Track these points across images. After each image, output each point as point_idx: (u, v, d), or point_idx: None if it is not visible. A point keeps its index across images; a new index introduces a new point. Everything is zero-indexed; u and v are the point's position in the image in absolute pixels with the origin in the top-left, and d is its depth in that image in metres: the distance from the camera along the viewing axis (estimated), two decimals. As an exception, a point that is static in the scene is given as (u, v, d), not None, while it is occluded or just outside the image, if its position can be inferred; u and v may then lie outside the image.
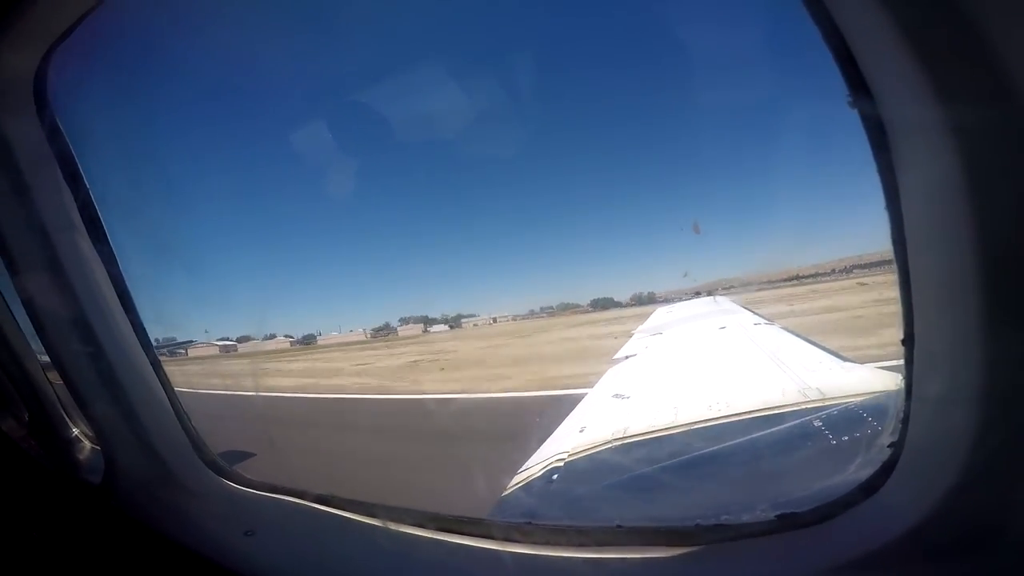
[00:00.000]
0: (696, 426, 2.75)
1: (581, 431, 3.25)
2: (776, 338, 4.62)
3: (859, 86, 0.74)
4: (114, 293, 1.72)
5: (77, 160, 1.65)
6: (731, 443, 2.37)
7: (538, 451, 3.04)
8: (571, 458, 2.74)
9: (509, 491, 2.50)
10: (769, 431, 2.37)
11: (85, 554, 1.98)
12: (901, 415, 0.89)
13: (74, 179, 1.64)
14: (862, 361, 3.49)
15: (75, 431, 2.46)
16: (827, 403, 2.52)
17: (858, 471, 1.07)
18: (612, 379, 4.68)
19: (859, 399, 2.34)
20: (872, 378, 2.78)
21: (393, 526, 1.44)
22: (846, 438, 1.85)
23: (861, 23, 0.69)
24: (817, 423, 2.19)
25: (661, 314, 8.90)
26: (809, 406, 2.58)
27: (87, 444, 2.42)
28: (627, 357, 5.51)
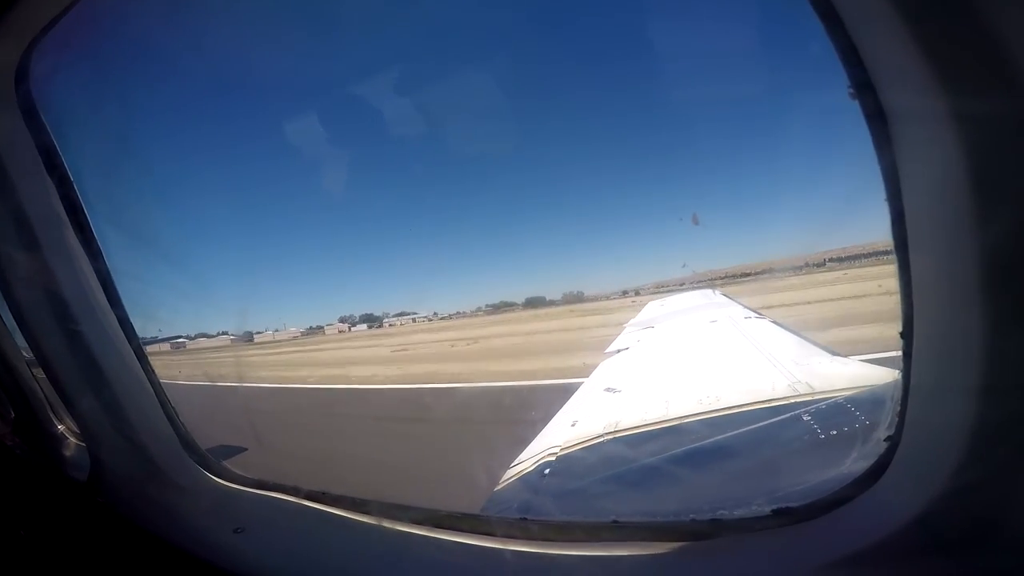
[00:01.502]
0: (687, 420, 2.77)
1: (573, 425, 3.26)
2: (766, 332, 4.65)
3: (860, 77, 0.73)
4: (99, 287, 1.69)
5: (60, 153, 1.62)
6: (722, 437, 2.39)
7: (530, 445, 3.05)
8: (563, 452, 2.75)
9: (502, 485, 2.51)
10: (759, 425, 2.39)
11: (72, 551, 1.95)
12: (898, 408, 0.88)
13: (57, 172, 1.61)
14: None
15: (60, 427, 2.42)
16: (816, 396, 2.54)
17: (853, 465, 1.07)
18: (604, 372, 4.70)
19: (848, 393, 2.37)
20: (861, 372, 2.82)
21: (385, 523, 1.43)
22: (835, 432, 1.87)
23: (863, 11, 0.68)
24: (807, 417, 2.21)
25: (653, 307, 8.94)
26: (799, 400, 2.60)
27: (72, 441, 2.38)
28: (619, 351, 5.54)
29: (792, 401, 2.62)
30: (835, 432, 1.86)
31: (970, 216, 0.65)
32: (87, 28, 1.57)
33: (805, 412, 2.29)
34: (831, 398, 2.39)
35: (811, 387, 2.74)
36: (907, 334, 0.82)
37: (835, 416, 2.05)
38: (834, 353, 3.51)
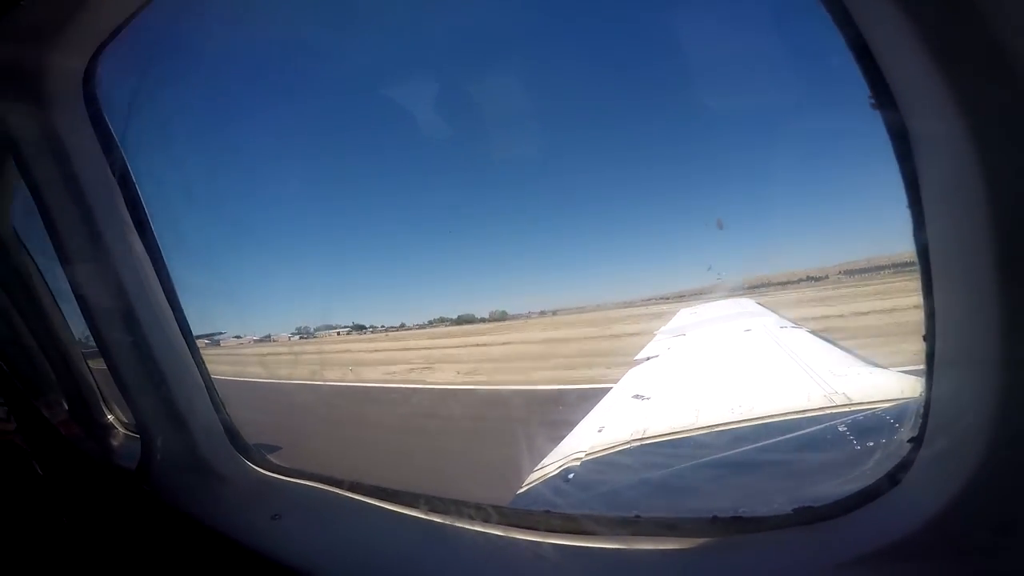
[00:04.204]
0: (718, 428, 2.71)
1: (600, 431, 3.24)
2: (803, 342, 4.50)
3: (883, 93, 0.75)
4: (159, 284, 1.80)
5: (125, 156, 1.73)
6: (754, 446, 2.33)
7: (555, 449, 3.05)
8: (588, 457, 2.73)
9: (524, 488, 2.52)
10: (793, 435, 2.33)
11: (121, 537, 2.07)
12: (921, 410, 0.89)
13: (122, 175, 1.72)
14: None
15: (110, 417, 2.57)
16: (854, 408, 2.45)
17: (878, 467, 1.05)
18: (632, 380, 4.64)
19: (887, 405, 2.28)
20: (901, 383, 2.70)
21: (415, 512, 1.48)
22: (871, 443, 1.80)
23: (884, 24, 0.70)
24: (842, 428, 2.14)
25: (684, 315, 8.76)
26: (835, 411, 2.52)
27: (122, 431, 2.53)
28: (648, 358, 5.46)
29: (828, 412, 2.54)
30: (870, 444, 1.80)
31: (989, 224, 0.66)
32: (152, 35, 1.66)
33: (841, 423, 2.22)
34: (870, 410, 2.31)
35: (848, 398, 2.65)
36: (930, 338, 0.83)
37: (873, 428, 1.98)
38: (874, 365, 3.36)
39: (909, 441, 0.92)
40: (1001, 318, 0.69)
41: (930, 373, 0.85)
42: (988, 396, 0.74)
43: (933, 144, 0.72)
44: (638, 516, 1.20)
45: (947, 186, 0.72)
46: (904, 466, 0.92)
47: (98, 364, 2.31)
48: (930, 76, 0.64)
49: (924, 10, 0.62)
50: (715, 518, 1.11)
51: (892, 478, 0.94)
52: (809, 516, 1.02)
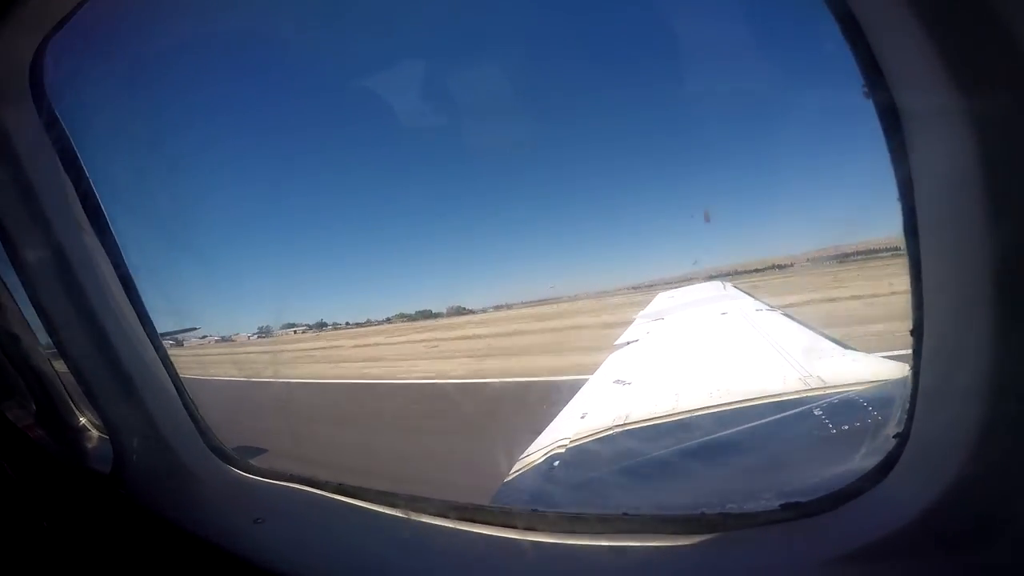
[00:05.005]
0: (697, 413, 2.77)
1: (582, 417, 3.28)
2: (778, 325, 4.62)
3: (874, 74, 0.73)
4: (118, 282, 1.72)
5: (77, 150, 1.64)
6: (732, 431, 2.39)
7: (539, 437, 3.07)
8: (572, 444, 2.76)
9: (511, 477, 2.54)
10: (770, 419, 2.39)
11: (95, 542, 2.01)
12: (907, 406, 0.89)
13: (74, 169, 1.63)
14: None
15: (82, 420, 2.48)
16: (828, 391, 2.53)
17: (862, 461, 1.08)
18: (613, 365, 4.70)
19: (861, 388, 2.35)
20: (875, 367, 2.79)
21: (399, 513, 1.47)
22: (847, 427, 1.87)
23: (878, 12, 0.68)
24: (818, 411, 2.20)
25: (663, 299, 8.90)
26: (810, 394, 2.59)
27: (94, 433, 2.44)
28: (628, 343, 5.54)
29: (803, 395, 2.61)
30: (846, 427, 1.86)
31: (981, 217, 0.65)
32: (101, 23, 1.58)
33: (816, 407, 2.28)
34: (843, 393, 2.38)
35: (823, 381, 2.73)
36: (917, 332, 0.83)
37: (846, 411, 2.05)
38: (846, 347, 3.48)
39: (894, 436, 0.93)
40: (990, 313, 0.69)
41: (916, 368, 0.85)
42: (974, 392, 0.74)
43: (926, 134, 0.71)
44: (625, 513, 1.20)
45: (940, 176, 0.71)
46: (890, 462, 0.93)
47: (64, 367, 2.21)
48: (925, 60, 0.63)
49: None
50: (703, 514, 1.12)
51: (878, 474, 0.95)
52: (796, 512, 1.04)
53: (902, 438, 0.91)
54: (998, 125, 0.63)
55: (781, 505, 1.05)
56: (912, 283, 0.81)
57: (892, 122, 0.74)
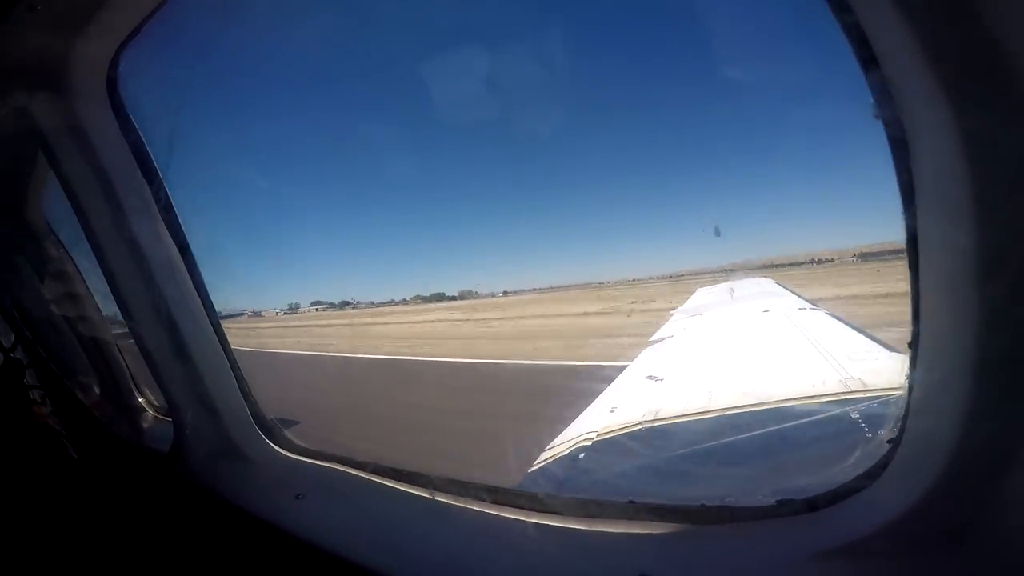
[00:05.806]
0: (730, 412, 2.72)
1: (612, 411, 3.28)
2: (821, 324, 4.44)
3: (882, 90, 0.74)
4: (185, 269, 1.86)
5: (147, 146, 1.78)
6: (764, 431, 2.34)
7: (567, 429, 3.10)
8: (600, 437, 2.78)
9: (536, 467, 2.59)
10: (804, 421, 2.33)
11: (153, 518, 2.14)
12: (902, 412, 0.93)
13: (146, 163, 1.77)
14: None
15: (140, 400, 2.67)
16: (869, 395, 2.44)
17: (857, 464, 1.10)
18: (646, 360, 4.65)
19: (903, 392, 2.25)
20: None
21: (428, 494, 1.55)
22: (882, 431, 1.80)
23: (885, 30, 0.69)
24: (855, 415, 2.13)
25: (701, 295, 8.67)
26: (849, 397, 2.50)
27: (152, 413, 2.62)
28: (663, 339, 5.45)
29: (842, 398, 2.52)
30: (881, 432, 1.79)
31: (978, 231, 0.67)
32: (177, 28, 1.69)
33: (854, 410, 2.21)
34: (884, 397, 2.28)
35: (864, 384, 2.63)
36: (914, 345, 0.86)
37: (885, 415, 1.97)
38: (893, 350, 3.31)
39: (888, 442, 0.97)
40: (977, 323, 0.71)
41: (912, 376, 0.89)
42: (959, 400, 0.78)
43: (931, 148, 0.71)
44: (632, 501, 1.24)
45: (941, 189, 0.72)
46: (881, 465, 0.97)
47: (129, 348, 2.39)
48: (929, 79, 0.64)
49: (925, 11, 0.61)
50: (703, 506, 1.16)
51: (868, 476, 0.99)
52: (790, 509, 1.08)
53: (894, 444, 0.95)
54: (997, 134, 0.64)
55: (777, 501, 1.10)
56: (912, 295, 0.83)
57: (896, 129, 0.76)
